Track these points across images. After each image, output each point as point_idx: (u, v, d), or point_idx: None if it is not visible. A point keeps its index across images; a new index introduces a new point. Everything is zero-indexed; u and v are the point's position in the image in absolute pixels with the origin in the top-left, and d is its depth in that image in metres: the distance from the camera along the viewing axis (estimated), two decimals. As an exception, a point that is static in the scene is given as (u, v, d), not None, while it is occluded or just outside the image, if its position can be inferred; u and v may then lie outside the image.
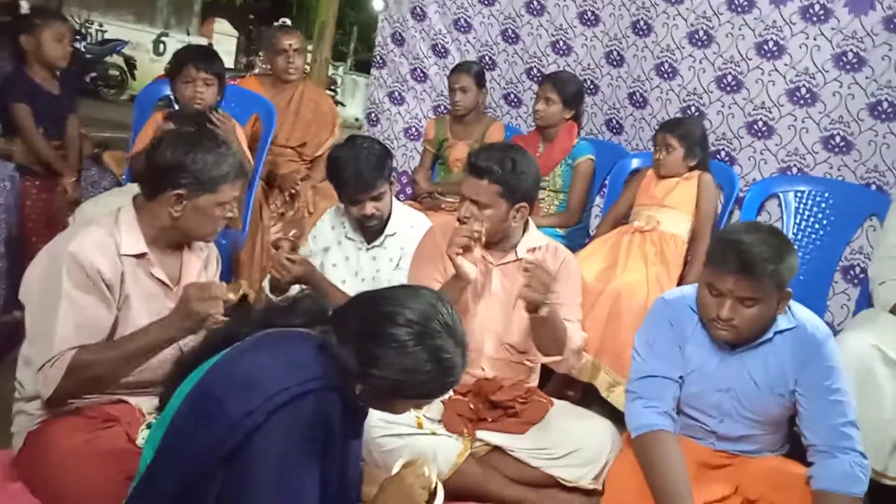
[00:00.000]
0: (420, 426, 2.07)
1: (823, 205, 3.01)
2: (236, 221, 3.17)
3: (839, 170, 3.00)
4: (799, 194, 3.05)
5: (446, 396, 2.15)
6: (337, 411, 1.34)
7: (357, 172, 2.34)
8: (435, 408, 2.12)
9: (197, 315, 1.65)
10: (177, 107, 2.96)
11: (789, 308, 1.89)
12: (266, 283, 2.45)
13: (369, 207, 2.39)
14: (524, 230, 2.28)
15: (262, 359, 1.33)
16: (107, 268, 1.69)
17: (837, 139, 2.98)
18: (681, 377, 1.94)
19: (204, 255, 1.95)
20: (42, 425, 1.71)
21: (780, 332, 1.87)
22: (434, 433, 2.07)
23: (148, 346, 1.70)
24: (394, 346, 1.30)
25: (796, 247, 2.97)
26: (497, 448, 2.09)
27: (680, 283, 2.79)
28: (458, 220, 2.19)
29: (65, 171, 2.91)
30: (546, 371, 2.37)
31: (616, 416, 2.28)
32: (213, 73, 2.93)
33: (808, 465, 1.84)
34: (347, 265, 2.51)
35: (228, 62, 13.80)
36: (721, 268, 1.78)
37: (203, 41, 13.72)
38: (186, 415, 1.33)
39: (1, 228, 2.65)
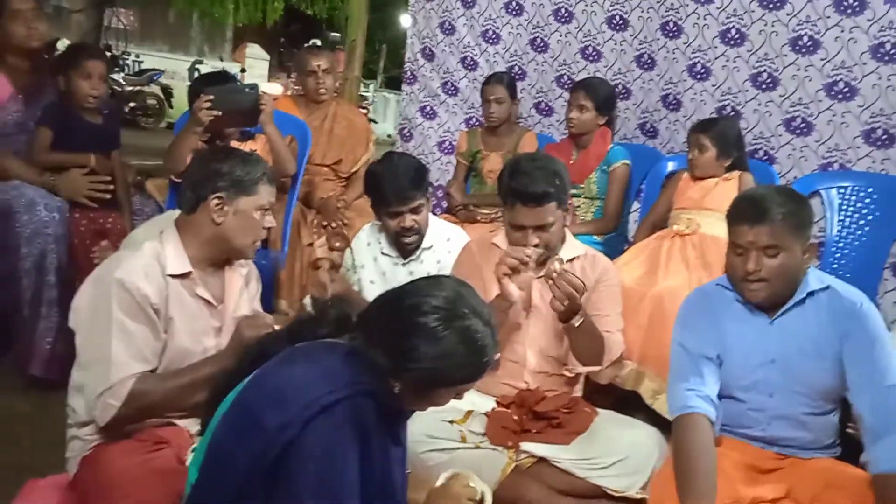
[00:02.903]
0: (464, 440, 2.06)
1: (868, 200, 2.94)
2: (275, 242, 3.22)
3: (882, 163, 2.94)
4: (842, 190, 2.99)
5: (489, 409, 2.14)
6: (371, 415, 1.35)
7: (396, 184, 2.38)
8: (478, 421, 2.12)
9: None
10: None
11: (818, 274, 1.89)
12: (307, 302, 2.47)
13: (409, 220, 2.42)
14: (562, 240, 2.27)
15: (293, 372, 1.36)
16: (153, 292, 1.73)
17: (879, 132, 2.92)
18: (719, 357, 1.92)
19: (245, 272, 1.98)
20: (95, 449, 1.75)
21: (813, 293, 1.86)
22: (478, 446, 2.06)
23: (205, 378, 1.74)
24: (423, 335, 1.32)
25: (842, 244, 2.96)
26: (542, 459, 2.07)
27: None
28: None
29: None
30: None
31: (661, 425, 2.24)
32: None
33: (862, 467, 1.78)
34: (384, 281, 2.53)
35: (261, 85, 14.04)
36: (737, 221, 1.85)
37: (236, 66, 14.01)
38: (225, 433, 1.36)
39: (52, 259, 2.73)
